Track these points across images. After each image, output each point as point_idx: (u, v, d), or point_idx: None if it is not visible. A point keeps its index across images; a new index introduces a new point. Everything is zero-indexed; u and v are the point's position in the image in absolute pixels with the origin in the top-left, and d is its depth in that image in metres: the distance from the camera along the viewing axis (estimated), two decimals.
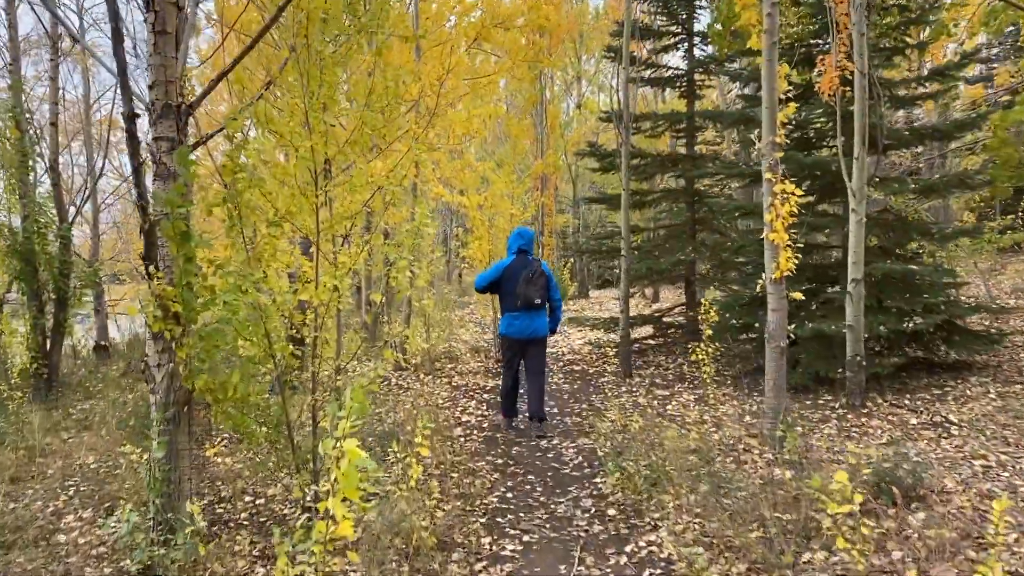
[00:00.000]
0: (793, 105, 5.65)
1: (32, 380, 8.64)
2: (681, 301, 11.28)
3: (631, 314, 10.87)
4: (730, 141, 12.21)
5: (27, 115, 9.01)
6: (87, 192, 12.53)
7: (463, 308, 17.92)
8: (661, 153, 9.92)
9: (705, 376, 7.15)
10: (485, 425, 6.59)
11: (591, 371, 9.30)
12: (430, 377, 9.26)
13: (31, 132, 8.98)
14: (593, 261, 25.19)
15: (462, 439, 6.09)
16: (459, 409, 7.33)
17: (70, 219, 9.95)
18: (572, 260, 21.01)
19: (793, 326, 7.84)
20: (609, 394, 7.77)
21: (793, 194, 5.02)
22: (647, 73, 10.06)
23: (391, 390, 8.37)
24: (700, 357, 7.11)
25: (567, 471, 5.33)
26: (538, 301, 5.95)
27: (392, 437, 5.23)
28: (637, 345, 10.37)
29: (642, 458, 4.80)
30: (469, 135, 9.15)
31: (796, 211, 5.08)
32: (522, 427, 6.43)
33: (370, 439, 5.55)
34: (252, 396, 3.99)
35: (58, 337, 9.07)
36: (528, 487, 5.01)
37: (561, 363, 10.01)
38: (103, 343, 12.46)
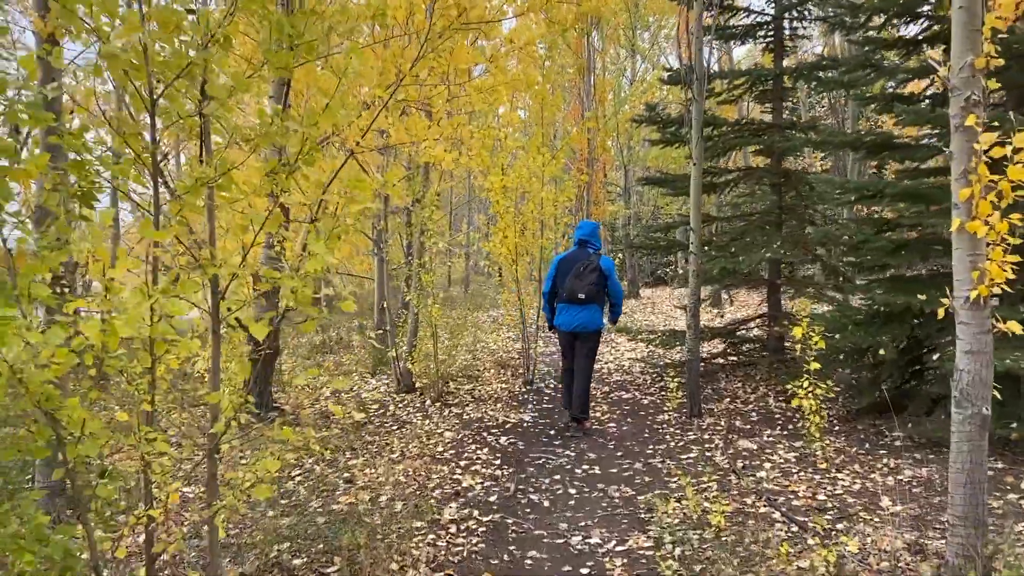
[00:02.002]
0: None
1: None
2: (749, 309, 9.04)
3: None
4: (835, 106, 9.79)
5: None
6: None
7: (494, 308, 15.88)
8: (741, 121, 7.71)
9: (812, 428, 4.99)
10: (494, 499, 4.55)
11: (645, 401, 7.17)
12: (438, 404, 7.29)
13: None
14: (644, 256, 22.94)
15: (454, 528, 4.08)
16: (463, 462, 5.33)
17: None
18: (622, 255, 18.79)
19: (937, 356, 5.61)
20: (672, 443, 5.66)
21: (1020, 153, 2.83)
22: (723, 18, 7.83)
23: (376, 431, 6.41)
24: (804, 403, 4.96)
25: None
26: (582, 296, 5.79)
27: None
28: (703, 365, 8.21)
29: None
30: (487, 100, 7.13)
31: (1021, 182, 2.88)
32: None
33: None
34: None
35: None
36: None
37: (607, 386, 7.91)
38: None
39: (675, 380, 6.49)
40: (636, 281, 20.21)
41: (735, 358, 8.21)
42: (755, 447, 5.46)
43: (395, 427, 6.51)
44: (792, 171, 7.69)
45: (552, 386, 8.10)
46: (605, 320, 6.23)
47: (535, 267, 8.61)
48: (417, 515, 4.12)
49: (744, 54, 27.36)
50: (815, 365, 4.92)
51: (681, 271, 23.14)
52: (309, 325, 2.40)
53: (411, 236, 7.62)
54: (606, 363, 9.51)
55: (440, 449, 5.66)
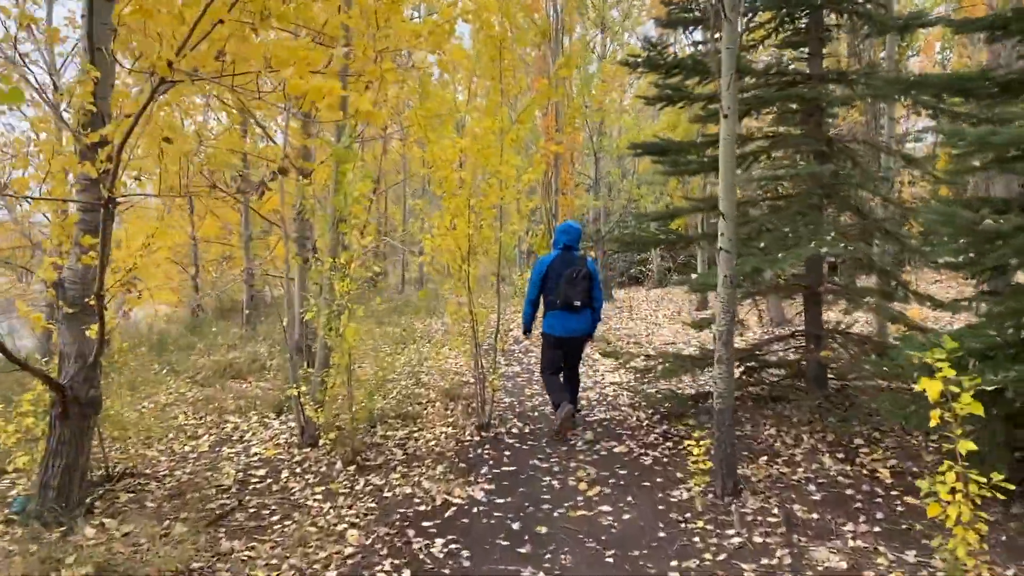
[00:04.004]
0: None
1: None
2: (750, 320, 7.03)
3: (704, 344, 6.57)
4: (883, 57, 7.74)
5: None
6: None
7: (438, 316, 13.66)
8: (770, 70, 5.61)
9: (959, 549, 2.93)
10: None
11: (647, 460, 5.05)
12: (352, 468, 5.08)
13: None
14: (615, 254, 20.95)
15: None
16: None
17: None
18: (592, 254, 16.74)
19: None
20: (706, 553, 3.55)
21: None
22: None
23: (245, 525, 4.19)
24: (951, 513, 2.92)
25: None
26: (578, 303, 5.56)
27: None
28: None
29: None
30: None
31: None
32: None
33: None
34: None
35: None
36: None
37: (590, 431, 5.79)
38: None
39: (698, 441, 4.37)
40: (609, 282, 18.19)
41: (757, 389, 6.16)
42: (840, 559, 3.39)
43: (277, 514, 4.29)
44: (832, 139, 5.65)
45: (517, 430, 5.96)
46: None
47: (492, 267, 6.46)
48: None
49: None
50: (967, 446, 2.86)
51: (657, 270, 21.22)
52: None
53: (321, 228, 5.40)
54: (584, 391, 7.40)
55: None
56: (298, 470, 5.16)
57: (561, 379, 5.84)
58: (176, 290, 17.16)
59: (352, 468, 5.07)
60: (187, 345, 12.38)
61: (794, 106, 5.78)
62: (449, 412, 6.65)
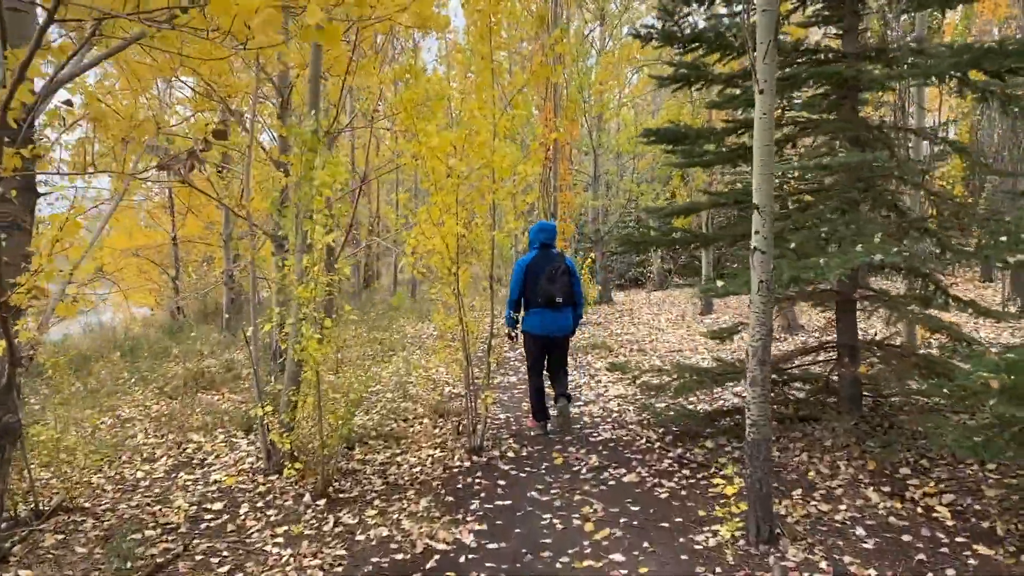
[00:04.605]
0: None
1: None
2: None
3: (716, 352, 5.94)
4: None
5: None
6: None
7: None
8: (800, 46, 4.94)
9: None
10: None
11: (663, 492, 4.38)
12: (323, 502, 4.41)
13: None
14: (614, 256, 20.27)
15: None
16: None
17: None
18: (592, 255, 16.08)
19: None
20: None
21: None
22: None
23: (194, 571, 3.51)
24: None
25: None
26: (559, 300, 5.61)
27: None
28: (730, 420, 5.51)
29: None
30: None
31: None
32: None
33: None
34: None
35: None
36: None
37: (594, 455, 5.12)
38: None
39: (729, 478, 3.69)
40: (608, 284, 17.54)
41: (782, 408, 5.50)
42: None
43: (228, 563, 3.61)
44: (872, 126, 4.99)
45: (513, 453, 5.29)
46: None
47: (486, 269, 5.80)
48: None
49: None
50: None
51: (657, 272, 20.57)
52: None
53: (283, 224, 4.72)
54: (586, 405, 6.74)
55: None
56: (260, 503, 4.47)
57: (547, 384, 5.91)
58: (156, 292, 16.43)
59: (322, 502, 4.39)
60: (162, 351, 11.68)
61: (823, 91, 5.13)
62: (438, 431, 5.98)
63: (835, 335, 5.25)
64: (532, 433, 5.82)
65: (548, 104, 9.68)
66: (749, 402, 3.53)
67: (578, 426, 6.01)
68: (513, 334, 5.82)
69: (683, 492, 4.35)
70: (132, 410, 7.81)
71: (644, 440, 5.48)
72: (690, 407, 6.18)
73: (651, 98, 20.07)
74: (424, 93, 5.55)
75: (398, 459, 5.25)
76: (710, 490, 4.30)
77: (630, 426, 5.91)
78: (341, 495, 4.53)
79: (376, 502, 4.39)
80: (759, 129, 3.49)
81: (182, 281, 15.73)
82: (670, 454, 5.07)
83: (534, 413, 5.86)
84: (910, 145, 6.93)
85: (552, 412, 5.97)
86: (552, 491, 4.51)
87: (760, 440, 3.49)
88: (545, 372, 5.89)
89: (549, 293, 5.58)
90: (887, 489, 4.13)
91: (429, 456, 5.25)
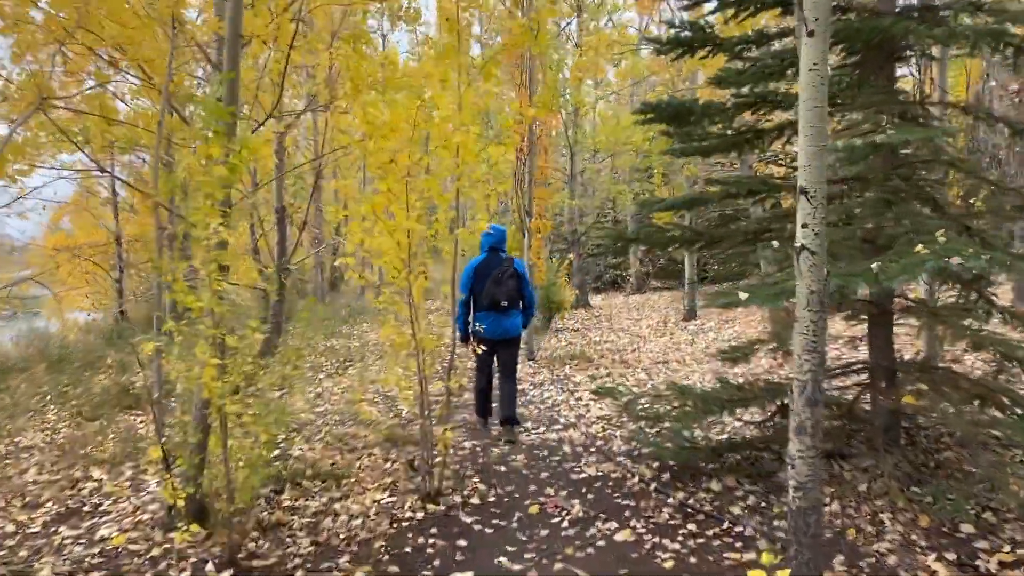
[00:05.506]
0: None
1: None
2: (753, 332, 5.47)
3: (718, 374, 5.01)
4: None
5: None
6: None
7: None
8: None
9: None
10: None
11: (663, 556, 3.43)
12: (231, 572, 3.41)
13: None
14: (589, 258, 19.39)
15: None
16: None
17: None
18: (569, 257, 15.19)
19: None
20: None
21: None
22: None
23: None
24: None
25: None
26: (505, 303, 5.60)
27: None
28: (741, 457, 4.62)
29: None
30: None
31: None
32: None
33: None
34: None
35: None
36: None
37: (577, 498, 4.18)
38: None
39: (708, 484, 2.78)
40: (585, 287, 16.66)
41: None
42: None
43: None
44: (920, 98, 4.13)
45: (479, 498, 4.33)
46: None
47: (447, 271, 4.85)
48: None
49: None
50: None
51: (636, 275, 19.75)
52: None
53: (187, 215, 3.70)
54: (565, 430, 5.82)
55: None
56: (149, 574, 3.46)
57: (490, 385, 5.94)
58: (98, 295, 15.18)
59: (229, 573, 3.39)
60: (94, 361, 10.54)
61: (854, 60, 4.25)
62: (389, 465, 5.00)
63: (866, 353, 4.38)
64: (474, 424, 6.04)
65: (523, 90, 8.75)
66: (794, 457, 2.62)
67: (557, 457, 5.09)
68: (472, 344, 5.54)
69: (691, 558, 3.43)
70: (38, 435, 6.73)
71: (636, 479, 4.55)
72: (687, 434, 5.25)
73: (630, 92, 19.25)
74: (373, 64, 4.56)
75: (336, 506, 4.25)
76: (726, 556, 3.38)
77: (618, 458, 4.98)
78: (255, 562, 3.53)
79: (298, 572, 3.40)
80: (807, 86, 2.58)
81: (125, 284, 14.52)
82: (669, 500, 4.15)
83: (476, 410, 6.09)
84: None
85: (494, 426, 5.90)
86: (526, 555, 3.55)
87: (808, 509, 2.58)
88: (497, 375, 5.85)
89: (494, 296, 5.58)
90: (951, 556, 3.25)
91: (374, 503, 4.27)
